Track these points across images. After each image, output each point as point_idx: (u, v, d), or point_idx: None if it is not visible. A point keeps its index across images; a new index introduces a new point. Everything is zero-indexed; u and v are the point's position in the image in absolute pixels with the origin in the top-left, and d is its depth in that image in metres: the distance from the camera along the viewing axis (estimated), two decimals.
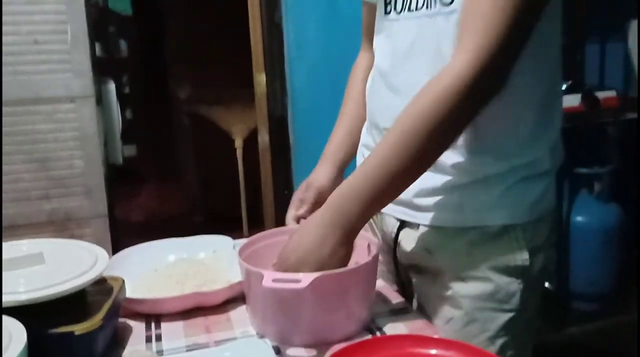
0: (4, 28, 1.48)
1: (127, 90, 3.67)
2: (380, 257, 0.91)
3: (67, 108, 1.56)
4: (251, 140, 2.98)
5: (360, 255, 0.89)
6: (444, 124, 0.78)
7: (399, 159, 0.79)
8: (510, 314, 0.90)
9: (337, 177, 1.10)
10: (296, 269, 0.80)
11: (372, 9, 1.03)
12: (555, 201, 0.97)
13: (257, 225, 2.70)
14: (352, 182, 0.82)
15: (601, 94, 2.46)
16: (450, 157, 0.87)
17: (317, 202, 1.01)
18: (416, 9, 0.89)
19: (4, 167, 1.52)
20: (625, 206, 2.52)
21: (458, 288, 0.91)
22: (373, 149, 0.84)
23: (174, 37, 3.74)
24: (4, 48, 1.48)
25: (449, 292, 0.92)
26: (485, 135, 0.87)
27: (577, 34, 2.73)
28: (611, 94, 2.49)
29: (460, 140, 0.86)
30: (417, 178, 0.83)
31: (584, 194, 2.51)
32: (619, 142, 2.62)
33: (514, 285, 0.90)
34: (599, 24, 2.74)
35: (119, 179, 2.02)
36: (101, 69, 1.72)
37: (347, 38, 2.07)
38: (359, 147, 1.11)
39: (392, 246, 1.00)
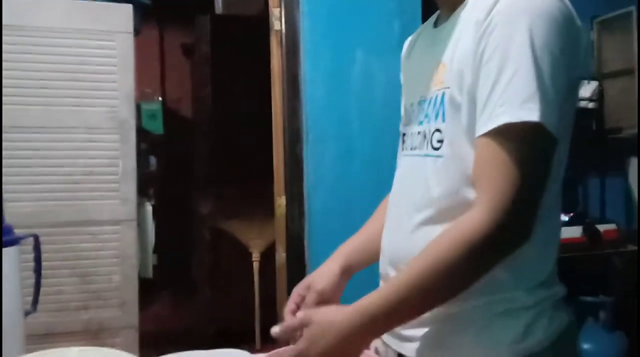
0: (64, 160, 1.82)
1: (152, 202, 3.99)
2: None
3: (111, 230, 1.84)
4: (268, 255, 3.22)
5: None
6: (455, 269, 0.84)
7: (412, 293, 0.85)
8: None
9: (340, 280, 1.10)
10: None
11: None
12: (553, 337, 0.92)
13: (270, 341, 2.86)
14: (369, 308, 0.87)
15: (602, 227, 2.67)
16: None
17: (317, 304, 1.06)
18: (415, 148, 1.02)
19: (50, 280, 1.76)
20: (630, 334, 2.67)
21: None
22: (388, 282, 0.92)
23: (201, 156, 4.11)
24: (64, 177, 1.80)
25: None
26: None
27: (579, 169, 3.02)
28: (612, 227, 2.70)
29: None
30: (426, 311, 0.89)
31: (590, 322, 2.67)
32: (622, 272, 2.81)
33: None
34: (599, 160, 3.03)
35: (146, 291, 2.26)
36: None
37: (360, 172, 2.40)
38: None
39: None
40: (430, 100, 0.98)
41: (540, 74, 0.83)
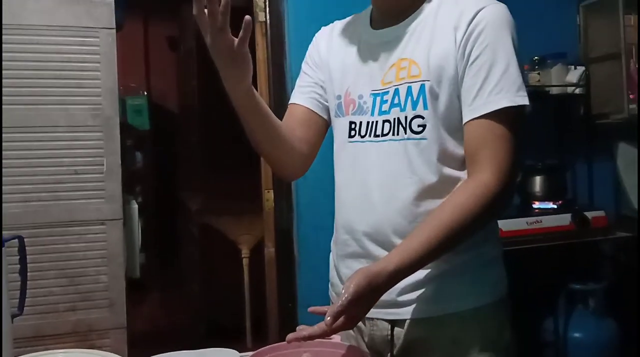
0: (49, 160, 1.83)
1: (139, 199, 3.99)
2: None
3: (97, 229, 1.86)
4: (257, 251, 3.24)
5: None
6: (475, 222, 1.06)
7: (439, 245, 1.04)
8: None
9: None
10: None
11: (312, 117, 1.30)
12: (507, 286, 1.22)
13: (261, 337, 2.89)
14: (406, 260, 1.02)
15: (590, 214, 2.71)
16: None
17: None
18: (382, 134, 1.16)
19: (37, 282, 1.78)
20: (621, 321, 2.71)
21: None
22: (414, 236, 1.06)
23: (188, 152, 4.11)
24: (48, 177, 1.81)
25: None
26: None
27: (567, 156, 3.05)
28: (600, 213, 2.73)
29: None
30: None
31: (579, 310, 2.71)
32: (612, 259, 2.86)
33: None
34: (587, 146, 3.07)
35: (134, 291, 2.28)
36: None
37: None
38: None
39: (385, 349, 1.17)
40: (396, 92, 1.15)
41: (521, 68, 1.10)
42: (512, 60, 1.09)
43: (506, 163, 1.07)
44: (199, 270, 3.94)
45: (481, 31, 1.08)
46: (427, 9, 1.17)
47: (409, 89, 1.13)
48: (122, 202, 1.96)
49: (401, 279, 1.04)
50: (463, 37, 1.09)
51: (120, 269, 1.89)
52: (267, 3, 2.58)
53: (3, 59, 1.86)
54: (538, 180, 2.84)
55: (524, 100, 1.09)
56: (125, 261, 1.95)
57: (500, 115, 1.07)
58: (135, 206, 2.05)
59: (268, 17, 2.56)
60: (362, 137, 1.19)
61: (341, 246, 1.24)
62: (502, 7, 1.12)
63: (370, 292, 0.98)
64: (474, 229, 1.08)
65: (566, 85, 3.00)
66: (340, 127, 1.25)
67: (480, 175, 1.07)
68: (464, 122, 1.11)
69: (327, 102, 1.31)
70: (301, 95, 1.33)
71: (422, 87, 1.12)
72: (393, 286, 1.04)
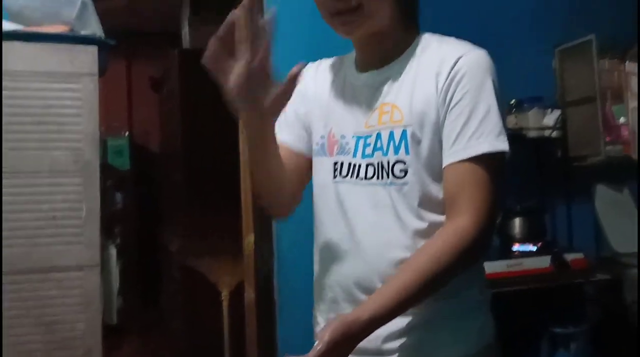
0: (28, 206, 1.83)
1: (118, 240, 3.97)
2: None
3: (74, 275, 1.85)
4: (238, 294, 3.22)
5: None
6: (451, 268, 1.06)
7: (415, 292, 1.05)
8: None
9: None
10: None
11: (299, 155, 1.30)
12: (494, 332, 1.22)
13: None
14: (381, 312, 1.03)
15: (570, 256, 2.74)
16: None
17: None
18: (365, 177, 1.17)
19: (14, 330, 1.76)
20: None
21: None
22: (389, 284, 1.07)
23: (169, 192, 4.11)
24: (28, 223, 1.80)
25: None
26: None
27: (546, 198, 3.10)
28: (579, 256, 2.76)
29: None
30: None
31: (561, 353, 2.72)
32: (592, 302, 2.88)
33: None
34: (565, 189, 3.12)
35: (111, 336, 2.25)
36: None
37: None
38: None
39: None
40: (379, 136, 1.18)
41: (501, 114, 1.12)
42: (493, 106, 1.11)
43: (485, 207, 1.08)
44: (180, 313, 3.90)
45: (462, 77, 1.11)
46: (410, 55, 1.20)
47: (392, 134, 1.15)
48: (100, 247, 1.96)
49: (377, 328, 1.04)
50: (444, 83, 1.12)
51: (97, 315, 1.87)
52: None
53: None
54: (517, 222, 2.88)
55: (504, 146, 1.10)
56: (103, 307, 1.94)
57: (480, 160, 1.09)
58: (114, 251, 2.05)
59: None
60: (344, 178, 1.21)
61: (326, 290, 1.24)
62: (483, 53, 1.16)
63: (344, 341, 0.99)
64: (451, 275, 1.09)
65: (543, 128, 3.07)
66: (323, 167, 1.26)
67: (458, 219, 1.08)
68: (443, 166, 1.13)
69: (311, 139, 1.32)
70: (289, 135, 1.32)
71: (404, 132, 1.14)
72: (369, 334, 1.04)
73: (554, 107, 3.13)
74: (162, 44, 4.35)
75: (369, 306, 1.04)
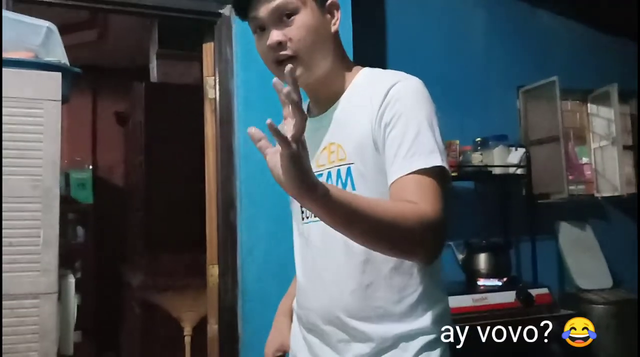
0: None
1: (78, 275, 3.89)
2: None
3: (30, 303, 1.81)
4: (201, 329, 3.17)
5: None
6: (406, 228, 1.03)
7: (369, 215, 1.00)
8: None
9: None
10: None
11: None
12: None
13: None
14: (339, 193, 0.97)
15: (535, 291, 2.78)
16: (370, 326, 1.18)
17: None
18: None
19: None
20: None
21: None
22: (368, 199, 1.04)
23: (132, 226, 4.06)
24: None
25: None
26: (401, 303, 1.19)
27: (511, 234, 3.15)
28: (544, 291, 2.81)
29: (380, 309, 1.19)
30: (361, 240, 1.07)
31: None
32: (557, 337, 2.91)
33: None
34: (530, 225, 3.18)
35: None
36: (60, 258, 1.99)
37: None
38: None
39: None
40: (329, 174, 1.24)
41: (433, 133, 1.14)
42: (424, 127, 1.13)
43: (437, 202, 1.07)
44: (139, 349, 3.82)
45: (395, 102, 1.15)
46: (350, 93, 1.27)
47: (338, 172, 1.22)
48: (58, 275, 1.92)
49: (323, 203, 0.96)
50: (379, 111, 1.16)
51: (52, 346, 1.82)
52: (216, 81, 2.65)
53: None
54: (483, 257, 2.91)
55: (438, 162, 1.11)
56: (59, 338, 1.89)
57: (418, 173, 1.10)
58: (72, 280, 2.00)
59: (218, 94, 2.63)
60: (307, 218, 1.29)
61: (298, 317, 1.36)
62: (416, 79, 1.20)
63: (303, 162, 0.94)
64: (401, 236, 1.04)
65: (508, 166, 3.14)
66: (296, 210, 1.34)
67: (416, 205, 1.07)
68: (388, 186, 1.14)
69: None
70: None
71: (349, 169, 1.21)
72: (314, 191, 0.95)
73: (518, 145, 3.22)
74: (129, 79, 4.35)
75: (335, 188, 1.00)
